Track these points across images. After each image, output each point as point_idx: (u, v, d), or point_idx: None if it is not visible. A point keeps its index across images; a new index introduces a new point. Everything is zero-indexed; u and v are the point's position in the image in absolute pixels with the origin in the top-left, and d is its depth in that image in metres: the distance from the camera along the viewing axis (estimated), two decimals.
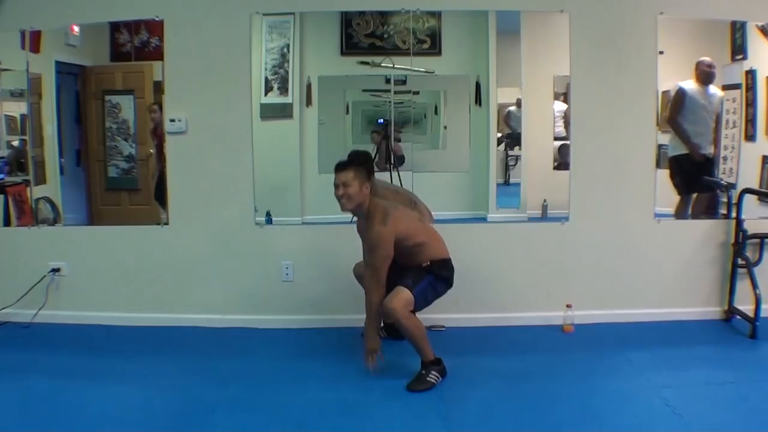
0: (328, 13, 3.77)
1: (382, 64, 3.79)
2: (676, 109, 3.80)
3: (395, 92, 3.82)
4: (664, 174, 3.85)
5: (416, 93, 3.88)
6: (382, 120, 3.87)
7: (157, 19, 3.65)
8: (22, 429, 2.59)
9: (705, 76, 3.77)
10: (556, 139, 3.88)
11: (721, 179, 3.87)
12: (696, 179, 3.88)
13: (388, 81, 3.81)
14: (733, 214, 3.70)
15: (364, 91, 3.91)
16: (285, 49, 3.79)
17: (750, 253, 3.66)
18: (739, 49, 3.78)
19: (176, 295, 3.78)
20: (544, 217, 3.93)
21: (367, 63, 3.82)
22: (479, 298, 3.75)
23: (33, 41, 3.72)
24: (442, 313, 3.72)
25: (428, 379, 2.91)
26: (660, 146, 3.75)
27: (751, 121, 3.80)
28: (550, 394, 2.84)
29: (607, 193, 3.72)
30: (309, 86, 3.83)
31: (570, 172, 3.74)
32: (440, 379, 2.94)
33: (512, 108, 3.92)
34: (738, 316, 3.65)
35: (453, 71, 3.94)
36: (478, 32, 3.85)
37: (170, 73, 3.67)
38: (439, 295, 3.09)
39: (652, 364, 3.14)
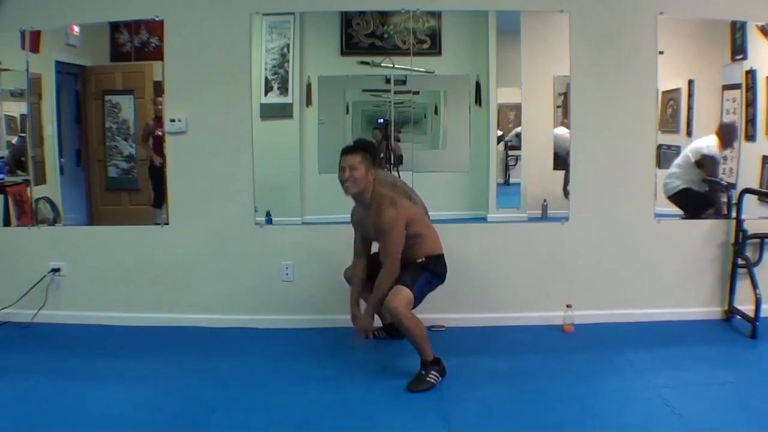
0: (328, 13, 3.77)
1: (382, 64, 3.79)
2: (713, 173, 3.87)
3: (395, 92, 3.82)
4: (664, 174, 3.85)
5: (416, 93, 3.88)
6: (382, 120, 3.87)
7: (157, 19, 3.65)
8: (22, 429, 2.59)
9: (730, 141, 3.81)
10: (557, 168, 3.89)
11: (721, 179, 3.87)
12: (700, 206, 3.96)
13: (388, 81, 3.81)
14: (733, 214, 3.70)
15: (364, 91, 3.91)
16: (285, 49, 3.79)
17: (750, 253, 3.66)
18: (739, 49, 3.78)
19: (176, 295, 3.78)
20: (544, 217, 3.93)
21: (367, 63, 3.82)
22: (479, 298, 3.75)
23: (33, 41, 3.72)
24: (442, 313, 3.73)
25: (428, 379, 2.91)
26: (660, 146, 3.75)
27: (751, 121, 3.80)
28: (550, 394, 2.84)
29: (607, 193, 3.72)
30: (309, 86, 3.83)
31: (570, 172, 3.73)
32: (440, 378, 2.94)
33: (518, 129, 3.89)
34: (738, 316, 3.65)
35: (453, 71, 3.94)
36: (478, 32, 3.85)
37: (170, 73, 3.67)
38: (431, 291, 3.11)
39: (652, 364, 3.14)
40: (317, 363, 3.20)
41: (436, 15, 3.78)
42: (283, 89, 3.83)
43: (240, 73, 3.66)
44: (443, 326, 3.70)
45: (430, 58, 3.84)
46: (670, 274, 3.76)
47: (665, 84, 3.75)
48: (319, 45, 3.86)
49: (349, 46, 3.81)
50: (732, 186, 3.82)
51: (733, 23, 3.74)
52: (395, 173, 3.84)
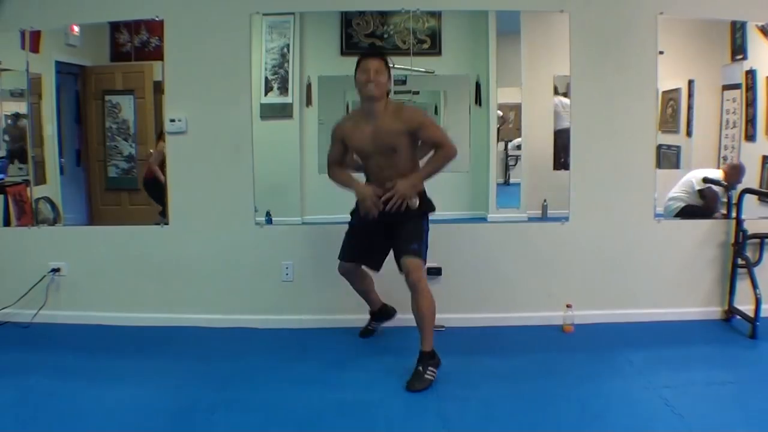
0: (328, 13, 3.77)
1: None
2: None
3: (395, 92, 3.80)
4: (664, 174, 3.85)
5: (416, 93, 3.88)
6: None
7: (157, 19, 3.65)
8: (22, 429, 2.59)
9: (735, 180, 3.82)
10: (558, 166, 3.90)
11: (718, 211, 3.89)
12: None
13: None
14: (733, 214, 3.70)
15: None
16: (285, 49, 3.79)
17: (750, 253, 3.66)
18: (739, 49, 3.78)
19: (176, 295, 3.78)
20: (544, 217, 3.93)
21: None
22: (479, 298, 3.75)
23: (33, 41, 3.72)
24: (442, 313, 3.69)
25: (426, 376, 2.90)
26: (660, 146, 3.75)
27: (751, 121, 3.80)
28: (549, 394, 2.84)
29: (607, 193, 3.72)
30: (309, 86, 3.83)
31: (570, 172, 3.74)
32: (437, 372, 2.93)
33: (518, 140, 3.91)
34: (738, 316, 3.65)
35: (453, 71, 3.94)
36: (478, 32, 3.85)
37: (170, 73, 3.67)
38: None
39: (652, 364, 3.14)
40: (317, 363, 3.20)
41: (436, 15, 3.78)
42: (283, 89, 3.83)
43: (240, 73, 3.65)
44: (443, 326, 3.70)
45: (430, 58, 3.84)
46: (670, 274, 3.76)
47: (665, 84, 3.75)
48: (319, 45, 3.86)
49: (349, 46, 3.81)
50: (732, 186, 3.82)
51: (733, 23, 3.74)
52: None
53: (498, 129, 3.89)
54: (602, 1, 3.62)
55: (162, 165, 3.76)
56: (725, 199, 3.86)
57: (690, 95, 3.86)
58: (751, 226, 3.65)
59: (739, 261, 3.66)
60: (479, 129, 3.89)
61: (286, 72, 3.82)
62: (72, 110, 3.94)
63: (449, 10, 3.77)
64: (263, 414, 2.70)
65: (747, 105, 3.79)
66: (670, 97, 3.86)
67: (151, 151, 3.87)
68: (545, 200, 3.93)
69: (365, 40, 3.79)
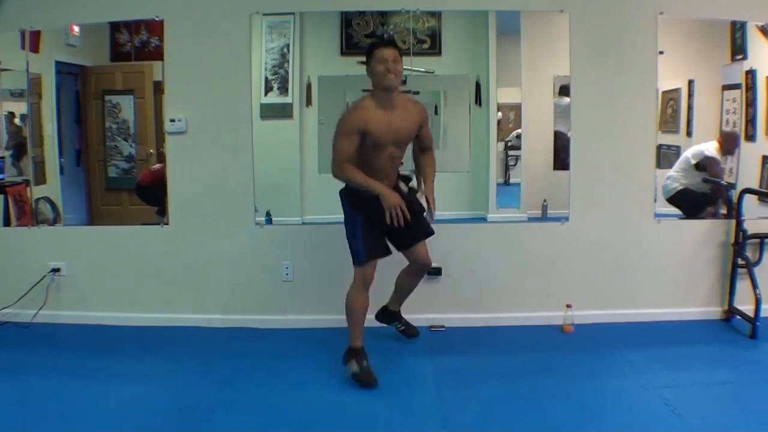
0: (328, 13, 3.77)
1: None
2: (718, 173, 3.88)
3: None
4: (664, 174, 3.85)
5: (416, 93, 3.87)
6: None
7: (157, 19, 3.65)
8: (22, 429, 2.59)
9: (731, 149, 3.83)
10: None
11: (722, 179, 3.87)
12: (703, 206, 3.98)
13: None
14: (733, 214, 3.70)
15: (364, 91, 3.88)
16: (285, 49, 3.79)
17: (750, 253, 3.66)
18: (739, 49, 3.78)
19: (176, 295, 3.78)
20: (544, 217, 3.93)
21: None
22: (479, 298, 3.75)
23: (33, 41, 3.72)
24: (442, 313, 3.73)
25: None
26: (660, 146, 3.75)
27: (751, 121, 3.80)
28: (549, 394, 2.84)
29: (607, 193, 3.72)
30: (309, 86, 3.83)
31: (570, 172, 3.74)
32: None
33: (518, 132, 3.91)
34: (738, 316, 3.65)
35: (453, 71, 3.94)
36: (478, 32, 3.85)
37: (170, 73, 3.67)
38: None
39: (652, 364, 3.14)
40: (317, 363, 3.20)
41: (436, 15, 3.78)
42: (283, 89, 3.83)
43: (240, 73, 3.65)
44: (443, 326, 3.70)
45: (430, 58, 3.84)
46: (670, 274, 3.76)
47: (665, 84, 3.75)
48: (319, 45, 3.85)
49: (349, 46, 3.81)
50: (732, 186, 3.82)
51: (733, 23, 3.74)
52: None
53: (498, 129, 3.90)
54: (602, 1, 3.62)
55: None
56: (724, 166, 3.85)
57: (690, 95, 3.86)
58: (751, 226, 3.65)
59: (739, 261, 3.66)
60: (479, 129, 3.89)
61: (286, 72, 3.82)
62: (72, 110, 3.94)
63: (449, 10, 3.77)
64: (263, 414, 2.70)
65: (747, 105, 3.79)
66: (670, 97, 3.86)
67: (152, 151, 3.87)
68: (545, 200, 3.93)
69: (365, 40, 3.78)
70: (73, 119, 3.95)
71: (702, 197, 3.92)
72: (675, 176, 3.91)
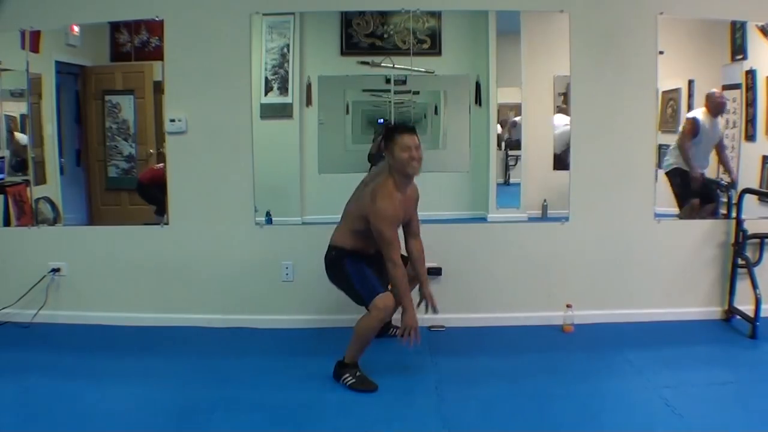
0: (328, 13, 3.77)
1: (382, 64, 3.79)
2: (689, 138, 3.83)
3: (395, 92, 3.82)
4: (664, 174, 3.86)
5: (416, 93, 3.88)
6: (382, 120, 3.87)
7: (157, 19, 3.65)
8: (22, 429, 2.59)
9: (717, 108, 3.80)
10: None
11: (722, 179, 3.87)
12: (696, 193, 3.94)
13: (388, 81, 3.81)
14: (733, 214, 3.70)
15: (364, 91, 3.91)
16: (285, 49, 3.79)
17: (750, 253, 3.66)
18: (739, 49, 3.78)
19: (176, 295, 3.78)
20: (544, 217, 3.93)
21: (367, 63, 3.81)
22: (479, 298, 3.75)
23: (33, 41, 3.72)
24: (442, 313, 3.71)
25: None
26: (660, 146, 3.75)
27: (751, 121, 3.80)
28: (549, 394, 2.84)
29: (607, 193, 3.72)
30: (309, 86, 3.83)
31: (570, 172, 3.74)
32: None
33: (516, 118, 3.91)
34: (738, 316, 3.65)
35: (453, 71, 3.94)
36: (478, 32, 3.85)
37: (170, 73, 3.67)
38: None
39: (652, 364, 3.14)
40: (317, 363, 3.19)
41: (436, 15, 3.78)
42: (283, 89, 3.83)
43: (240, 73, 3.65)
44: (443, 326, 3.70)
45: (430, 58, 3.84)
46: (670, 274, 3.76)
47: (665, 84, 3.75)
48: (319, 45, 3.85)
49: (349, 46, 3.81)
50: (732, 186, 3.82)
51: (733, 23, 3.74)
52: None
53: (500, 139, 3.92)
54: (602, 1, 3.62)
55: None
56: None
57: (690, 95, 3.86)
58: (751, 226, 3.65)
59: (739, 261, 3.66)
60: (479, 129, 3.89)
61: (286, 72, 3.82)
62: (72, 110, 3.94)
63: (449, 10, 3.77)
64: (263, 414, 2.70)
65: (747, 105, 3.79)
66: (670, 97, 3.86)
67: (153, 151, 3.87)
68: (545, 200, 3.93)
69: (365, 40, 3.79)
70: (73, 119, 3.95)
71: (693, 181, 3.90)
72: (671, 150, 3.90)
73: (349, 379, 2.93)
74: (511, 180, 4.03)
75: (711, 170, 3.93)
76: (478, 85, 3.86)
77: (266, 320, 3.74)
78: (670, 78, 3.77)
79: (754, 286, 3.53)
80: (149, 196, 3.86)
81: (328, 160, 3.89)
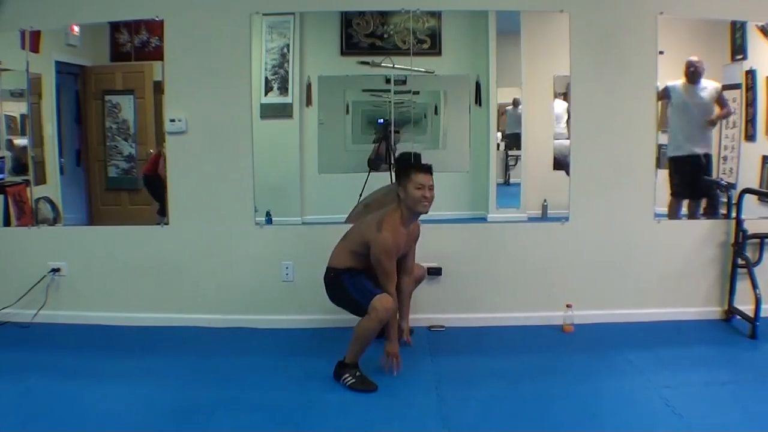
0: (328, 13, 3.77)
1: (382, 64, 3.79)
2: (663, 104, 3.79)
3: (395, 92, 3.82)
4: (665, 174, 3.85)
5: (416, 93, 3.88)
6: (382, 120, 3.87)
7: (157, 19, 3.65)
8: (22, 429, 2.59)
9: (691, 75, 3.77)
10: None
11: (721, 179, 3.87)
12: (690, 183, 3.90)
13: (388, 81, 3.81)
14: (733, 214, 3.70)
15: (364, 91, 3.91)
16: (285, 49, 3.79)
17: (750, 253, 3.66)
18: (739, 49, 3.78)
19: (176, 295, 3.78)
20: (544, 217, 3.93)
21: (367, 63, 3.82)
22: (479, 298, 3.75)
23: (33, 41, 3.72)
24: (442, 313, 3.73)
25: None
26: (660, 146, 3.75)
27: (751, 121, 3.80)
28: (549, 394, 2.84)
29: (607, 193, 3.72)
30: (309, 86, 3.83)
31: (570, 172, 3.74)
32: None
33: (509, 107, 3.92)
34: (738, 316, 3.65)
35: (453, 71, 3.94)
36: (478, 32, 3.85)
37: (170, 73, 3.67)
38: None
39: (652, 364, 3.14)
40: (317, 363, 3.19)
41: (436, 15, 3.78)
42: (283, 89, 3.83)
43: (240, 73, 3.65)
44: (443, 326, 3.70)
45: (430, 58, 3.84)
46: (670, 274, 3.76)
47: (665, 84, 3.75)
48: (319, 45, 3.85)
49: (349, 46, 3.81)
50: (732, 186, 3.82)
51: (733, 23, 3.74)
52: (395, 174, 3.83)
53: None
54: (602, 1, 3.62)
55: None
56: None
57: None
58: (751, 226, 3.65)
59: (739, 261, 3.66)
60: (479, 129, 3.89)
61: (286, 72, 3.82)
62: (72, 110, 3.94)
63: (449, 10, 3.77)
64: (263, 414, 2.70)
65: (747, 105, 3.79)
66: None
67: (153, 151, 3.86)
68: (545, 200, 3.93)
69: (365, 40, 3.79)
70: (73, 119, 3.95)
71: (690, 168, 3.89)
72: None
73: (349, 379, 2.93)
74: (511, 180, 4.03)
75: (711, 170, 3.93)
76: (478, 85, 3.86)
77: (266, 320, 3.74)
78: (670, 78, 3.76)
79: (754, 286, 3.53)
80: (152, 186, 3.84)
81: (328, 160, 3.89)
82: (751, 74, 3.78)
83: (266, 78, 3.80)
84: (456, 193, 4.02)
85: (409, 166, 3.11)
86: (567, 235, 3.74)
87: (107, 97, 3.91)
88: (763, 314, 3.52)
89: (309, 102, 3.84)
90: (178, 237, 3.76)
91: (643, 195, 3.73)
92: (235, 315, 3.76)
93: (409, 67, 3.76)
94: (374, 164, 3.86)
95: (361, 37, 3.80)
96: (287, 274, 3.75)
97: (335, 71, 3.88)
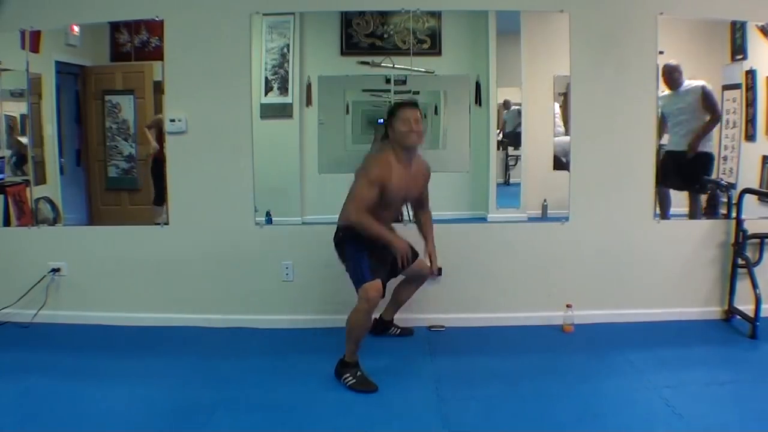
0: (328, 13, 3.77)
1: (382, 64, 3.79)
2: None
3: (395, 92, 3.81)
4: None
5: (416, 93, 3.88)
6: (382, 120, 3.86)
7: (157, 19, 3.65)
8: (22, 429, 2.59)
9: (669, 81, 3.76)
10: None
11: (721, 179, 3.87)
12: (676, 172, 3.88)
13: (388, 81, 3.81)
14: (733, 214, 3.70)
15: (364, 91, 3.91)
16: (285, 49, 3.79)
17: (750, 253, 3.66)
18: (739, 49, 3.78)
19: (176, 295, 3.78)
20: (544, 217, 3.93)
21: (367, 63, 3.82)
22: (479, 298, 3.75)
23: (33, 41, 3.72)
24: (442, 313, 3.73)
25: None
26: (660, 146, 3.75)
27: (751, 121, 3.80)
28: (550, 394, 2.84)
29: (607, 193, 3.72)
30: (309, 86, 3.83)
31: (570, 173, 3.74)
32: None
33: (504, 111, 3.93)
34: (738, 316, 3.65)
35: (453, 71, 3.94)
36: (478, 32, 3.85)
37: (170, 73, 3.67)
38: None
39: (652, 364, 3.14)
40: (317, 363, 3.19)
41: (436, 15, 3.78)
42: (283, 89, 3.83)
43: (240, 73, 3.65)
44: (443, 326, 3.70)
45: (430, 58, 3.84)
46: (670, 274, 3.76)
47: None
48: (319, 45, 3.85)
49: (349, 46, 3.81)
50: (732, 186, 3.82)
51: (733, 23, 3.74)
52: None
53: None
54: (602, 1, 3.62)
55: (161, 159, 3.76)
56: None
57: None
58: (751, 226, 3.65)
59: (739, 261, 3.66)
60: (479, 129, 3.89)
61: (286, 72, 3.82)
62: (72, 110, 3.94)
63: (449, 10, 3.77)
64: (263, 414, 2.70)
65: (747, 105, 3.79)
66: None
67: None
68: (545, 200, 3.93)
69: (365, 40, 3.79)
70: (73, 119, 3.95)
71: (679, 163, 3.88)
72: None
73: (349, 379, 2.93)
74: (511, 180, 4.03)
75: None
76: (478, 85, 3.86)
77: (266, 320, 3.74)
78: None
79: (754, 286, 3.53)
80: (157, 169, 3.81)
81: (328, 160, 3.89)
82: (751, 74, 3.77)
83: (266, 78, 3.80)
84: (456, 193, 4.02)
85: (395, 105, 3.12)
86: (567, 235, 3.74)
87: (107, 97, 3.91)
88: (763, 314, 3.52)
89: (309, 102, 3.84)
90: (178, 237, 3.76)
91: (643, 195, 3.73)
92: (235, 315, 3.76)
93: (409, 67, 3.76)
94: None
95: (361, 37, 3.80)
96: (287, 274, 3.75)
97: (335, 71, 3.88)
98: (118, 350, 3.45)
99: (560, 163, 3.85)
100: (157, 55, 3.67)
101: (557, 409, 2.71)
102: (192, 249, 3.76)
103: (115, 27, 3.77)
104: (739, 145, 3.85)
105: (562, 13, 3.63)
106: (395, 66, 3.78)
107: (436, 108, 3.99)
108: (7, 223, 3.90)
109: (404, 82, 3.82)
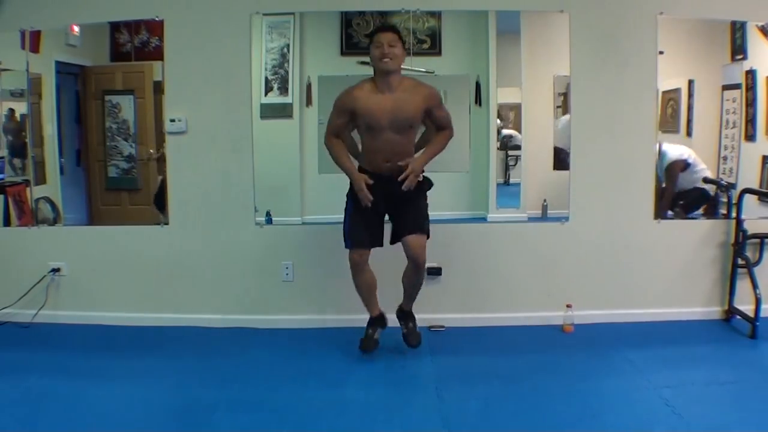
0: (328, 13, 3.77)
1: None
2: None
3: None
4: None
5: None
6: None
7: (157, 19, 3.65)
8: (22, 429, 2.59)
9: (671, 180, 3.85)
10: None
11: (721, 179, 3.87)
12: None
13: None
14: (733, 214, 3.70)
15: None
16: (285, 49, 3.79)
17: (750, 253, 3.66)
18: (739, 49, 3.78)
19: (176, 295, 3.79)
20: (544, 217, 3.93)
21: (367, 63, 3.79)
22: (479, 298, 3.75)
23: (33, 41, 3.72)
24: (442, 313, 3.73)
25: (418, 330, 3.29)
26: (661, 146, 3.75)
27: (751, 121, 3.80)
28: (549, 394, 2.84)
29: (607, 193, 3.72)
30: (309, 86, 3.83)
31: (570, 172, 3.74)
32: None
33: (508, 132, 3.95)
34: (738, 316, 3.65)
35: (453, 71, 3.94)
36: (478, 32, 3.85)
37: (170, 73, 3.67)
38: None
39: (652, 364, 3.14)
40: (317, 363, 3.20)
41: (436, 15, 3.78)
42: (283, 89, 3.83)
43: (240, 73, 3.66)
44: (443, 326, 3.70)
45: (430, 58, 3.83)
46: (670, 274, 3.76)
47: (665, 84, 3.75)
48: (319, 45, 3.85)
49: (349, 46, 3.81)
50: (732, 186, 3.82)
51: (733, 23, 3.74)
52: None
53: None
54: (602, 1, 3.62)
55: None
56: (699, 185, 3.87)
57: (690, 95, 3.85)
58: (751, 226, 3.65)
59: (739, 261, 3.66)
60: (479, 129, 3.89)
61: (286, 72, 3.82)
62: (72, 110, 3.94)
63: (449, 10, 3.77)
64: (263, 413, 2.70)
65: (747, 105, 3.79)
66: (670, 97, 3.86)
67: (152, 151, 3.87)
68: (545, 200, 3.93)
69: (365, 40, 3.77)
70: (73, 119, 3.95)
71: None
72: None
73: (365, 333, 3.18)
74: (511, 180, 4.03)
75: (711, 169, 3.92)
76: (478, 85, 3.86)
77: (266, 320, 3.74)
78: (670, 78, 3.76)
79: (754, 286, 3.53)
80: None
81: (328, 160, 3.87)
82: (751, 74, 3.77)
83: (266, 78, 3.80)
84: (456, 193, 4.02)
85: (373, 30, 3.12)
86: (567, 235, 3.74)
87: (107, 97, 3.91)
88: (763, 314, 3.51)
89: (309, 102, 3.84)
90: (178, 237, 3.76)
91: (643, 195, 3.73)
92: (235, 315, 3.76)
93: (409, 67, 3.75)
94: None
95: (362, 37, 3.80)
96: (287, 274, 3.75)
97: (335, 71, 3.87)
98: (118, 350, 3.45)
99: (560, 163, 3.85)
100: (157, 55, 3.67)
101: (557, 409, 2.71)
102: (192, 249, 3.76)
103: (115, 27, 3.77)
104: (739, 145, 3.85)
105: (562, 13, 3.63)
106: None
107: None
108: (7, 223, 3.90)
109: None
